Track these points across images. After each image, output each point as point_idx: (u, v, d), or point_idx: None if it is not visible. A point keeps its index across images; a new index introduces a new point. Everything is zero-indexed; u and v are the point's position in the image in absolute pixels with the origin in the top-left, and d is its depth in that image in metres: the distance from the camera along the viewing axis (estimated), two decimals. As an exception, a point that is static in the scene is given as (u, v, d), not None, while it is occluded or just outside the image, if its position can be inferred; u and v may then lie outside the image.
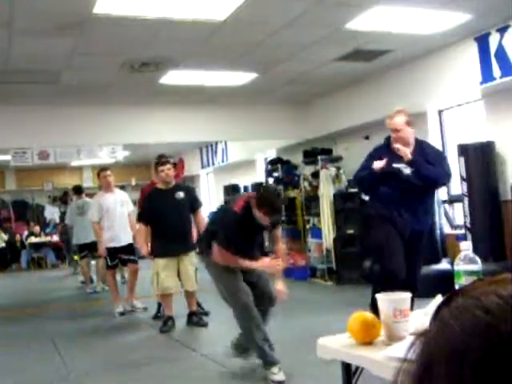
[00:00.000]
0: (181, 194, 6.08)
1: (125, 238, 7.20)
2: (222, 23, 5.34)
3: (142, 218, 6.22)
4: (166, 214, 5.91)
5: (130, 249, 7.24)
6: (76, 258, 11.00)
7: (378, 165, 4.31)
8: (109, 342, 5.83)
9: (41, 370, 4.88)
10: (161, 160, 6.15)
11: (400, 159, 4.36)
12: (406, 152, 4.33)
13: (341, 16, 5.43)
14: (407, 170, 4.35)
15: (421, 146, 4.54)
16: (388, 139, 4.59)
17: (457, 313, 0.54)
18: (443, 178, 4.47)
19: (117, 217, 7.18)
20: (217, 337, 5.64)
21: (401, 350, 1.64)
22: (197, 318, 6.17)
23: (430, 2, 5.19)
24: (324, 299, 7.29)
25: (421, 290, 5.58)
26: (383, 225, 4.39)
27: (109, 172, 7.41)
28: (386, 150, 4.51)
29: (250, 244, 4.24)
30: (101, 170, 7.50)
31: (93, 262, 9.59)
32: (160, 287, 5.94)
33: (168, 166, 6.08)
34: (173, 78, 7.28)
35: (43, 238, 14.73)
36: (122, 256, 7.19)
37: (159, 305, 6.59)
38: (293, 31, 5.74)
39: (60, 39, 5.49)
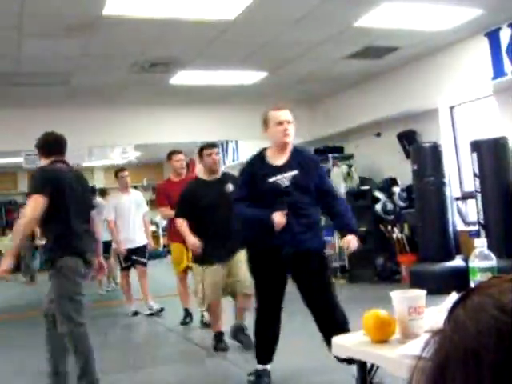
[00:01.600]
0: (230, 187, 4.80)
1: (139, 239, 7.07)
2: (232, 22, 5.34)
3: (181, 213, 5.00)
4: (214, 211, 4.77)
5: (142, 251, 7.11)
6: None
7: (279, 223, 3.53)
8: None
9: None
10: (207, 144, 5.19)
11: (276, 171, 3.65)
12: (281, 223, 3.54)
13: (350, 13, 5.41)
14: (285, 182, 3.64)
15: (303, 158, 3.83)
16: (262, 151, 3.84)
17: (472, 312, 0.53)
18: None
19: (132, 218, 7.06)
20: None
21: (416, 347, 1.63)
22: (245, 335, 4.94)
23: (440, -3, 5.17)
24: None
25: (435, 287, 5.57)
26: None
27: (126, 172, 7.25)
28: (260, 162, 3.76)
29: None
30: (119, 170, 7.33)
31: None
32: (208, 298, 4.87)
33: (216, 149, 5.11)
34: (183, 78, 7.30)
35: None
36: (134, 257, 7.03)
37: (186, 311, 6.26)
38: (303, 30, 5.73)
39: (70, 41, 5.52)
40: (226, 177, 5.10)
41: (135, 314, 7.01)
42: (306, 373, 4.14)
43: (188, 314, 6.23)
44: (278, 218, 3.48)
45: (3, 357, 5.39)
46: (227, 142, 12.71)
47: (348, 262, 8.38)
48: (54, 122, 8.20)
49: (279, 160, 3.68)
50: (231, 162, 12.96)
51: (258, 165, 3.73)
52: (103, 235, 9.09)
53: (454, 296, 1.96)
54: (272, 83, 7.94)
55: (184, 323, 6.20)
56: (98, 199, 9.89)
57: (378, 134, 8.83)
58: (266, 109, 3.86)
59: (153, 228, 12.56)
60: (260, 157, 3.77)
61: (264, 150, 3.80)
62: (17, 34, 5.21)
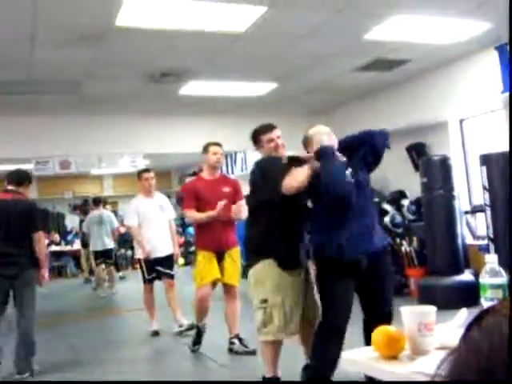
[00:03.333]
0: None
1: (164, 247, 6.29)
2: (243, 34, 5.37)
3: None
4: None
5: (168, 261, 6.35)
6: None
7: None
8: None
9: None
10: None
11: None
12: None
13: (361, 26, 5.43)
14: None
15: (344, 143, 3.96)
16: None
17: (486, 333, 0.54)
18: None
19: (155, 224, 6.29)
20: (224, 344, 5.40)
21: (426, 364, 1.62)
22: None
23: (449, 11, 5.17)
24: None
25: (444, 301, 5.54)
26: None
27: (152, 173, 6.53)
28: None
29: None
30: (142, 171, 6.62)
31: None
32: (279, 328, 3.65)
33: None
34: (193, 88, 7.33)
35: (63, 247, 14.85)
36: (159, 268, 6.22)
37: (198, 330, 5.38)
38: (313, 41, 5.75)
39: (82, 50, 5.57)
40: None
41: (156, 333, 6.22)
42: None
43: (200, 332, 5.36)
44: None
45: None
46: (236, 153, 12.73)
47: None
48: (64, 129, 8.30)
49: None
50: (240, 172, 12.98)
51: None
52: (104, 243, 9.83)
53: (464, 312, 1.95)
54: (282, 94, 7.96)
55: (193, 349, 5.33)
56: (104, 210, 10.43)
57: (388, 147, 8.80)
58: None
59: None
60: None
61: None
62: (30, 42, 5.26)
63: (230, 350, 5.15)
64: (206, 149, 5.30)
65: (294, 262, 3.67)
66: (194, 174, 15.43)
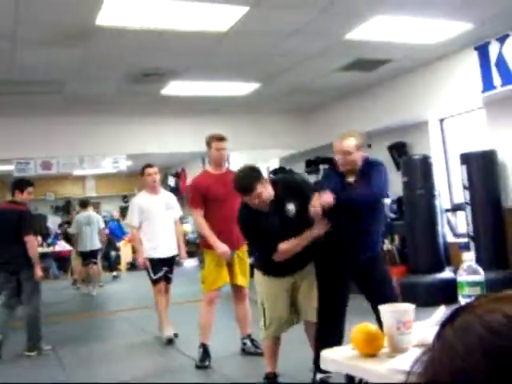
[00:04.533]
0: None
1: (168, 249, 5.95)
2: (225, 34, 5.37)
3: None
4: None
5: (170, 263, 6.03)
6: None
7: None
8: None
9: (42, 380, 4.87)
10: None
11: (349, 188, 3.84)
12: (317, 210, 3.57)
13: (342, 26, 5.45)
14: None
15: (367, 167, 3.92)
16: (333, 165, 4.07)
17: (461, 332, 0.54)
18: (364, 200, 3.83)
19: (160, 222, 5.89)
20: (221, 349, 5.40)
21: (404, 362, 1.64)
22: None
23: (430, 11, 5.21)
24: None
25: (425, 299, 5.59)
26: None
27: (156, 169, 6.10)
28: (334, 175, 3.94)
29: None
30: (146, 166, 6.14)
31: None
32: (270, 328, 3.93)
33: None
34: (175, 88, 7.31)
35: (45, 249, 14.71)
36: (165, 268, 5.91)
37: (204, 349, 4.95)
38: (295, 42, 5.76)
39: (63, 50, 5.53)
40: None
41: (170, 341, 5.73)
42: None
43: (206, 352, 4.93)
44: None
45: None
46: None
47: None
48: (46, 130, 8.24)
49: (350, 178, 3.86)
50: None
51: (336, 180, 3.87)
52: (93, 243, 10.04)
53: (442, 310, 1.98)
54: (264, 94, 7.98)
55: (202, 366, 4.84)
56: (91, 212, 10.62)
57: (369, 146, 8.85)
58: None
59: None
60: (337, 173, 3.91)
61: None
62: (11, 42, 5.21)
63: (243, 350, 5.11)
64: (208, 143, 5.03)
65: (279, 271, 3.80)
66: (177, 174, 15.40)
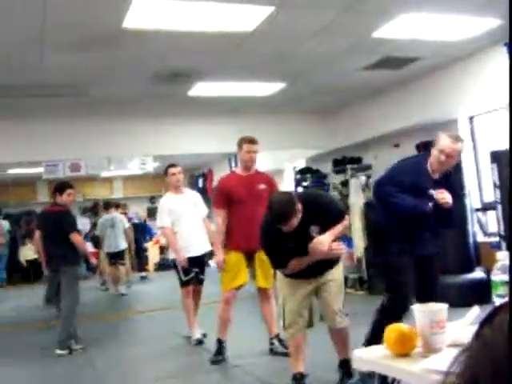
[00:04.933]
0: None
1: (199, 247, 5.92)
2: (251, 34, 5.37)
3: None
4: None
5: (202, 262, 6.02)
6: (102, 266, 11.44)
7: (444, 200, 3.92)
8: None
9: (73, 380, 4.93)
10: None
11: (435, 185, 4.00)
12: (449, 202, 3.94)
13: (368, 24, 5.41)
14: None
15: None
16: (422, 157, 4.24)
17: (499, 331, 0.53)
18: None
19: (189, 221, 5.85)
20: (249, 348, 5.51)
21: (438, 362, 1.62)
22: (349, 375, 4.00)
23: (457, 8, 5.15)
24: (356, 309, 7.19)
25: (455, 299, 5.51)
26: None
27: (179, 168, 6.07)
28: (425, 170, 4.05)
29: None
30: (169, 166, 6.12)
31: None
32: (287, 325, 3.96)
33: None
34: (201, 89, 7.34)
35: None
36: (195, 269, 5.85)
37: (220, 344, 5.10)
38: (320, 41, 5.74)
39: (90, 53, 5.59)
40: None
41: (199, 342, 5.79)
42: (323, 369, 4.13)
43: (221, 347, 5.07)
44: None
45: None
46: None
47: (367, 273, 8.32)
48: (74, 132, 8.34)
49: (436, 176, 4.07)
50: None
51: (421, 171, 4.05)
52: (117, 244, 10.25)
53: (475, 310, 1.94)
54: (289, 94, 7.96)
55: (215, 361, 5.00)
56: (115, 213, 10.81)
57: (397, 145, 8.79)
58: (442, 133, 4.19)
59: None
60: (422, 162, 4.10)
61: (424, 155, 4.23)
62: (39, 45, 5.29)
63: (271, 350, 5.13)
64: (239, 145, 5.10)
65: (298, 275, 3.81)
66: (204, 175, 15.46)
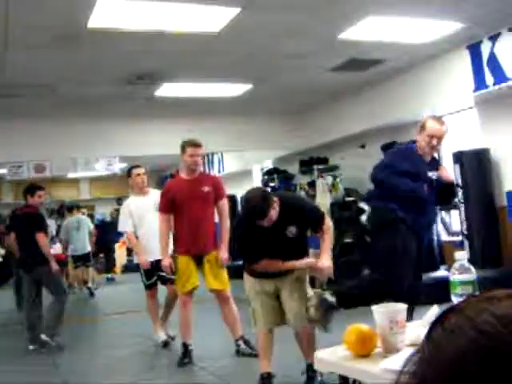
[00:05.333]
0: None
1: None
2: (217, 35, 5.36)
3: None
4: None
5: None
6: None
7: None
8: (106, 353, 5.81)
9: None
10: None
11: (429, 167, 4.18)
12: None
13: (334, 27, 5.46)
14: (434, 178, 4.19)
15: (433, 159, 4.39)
16: (412, 145, 4.32)
17: (450, 334, 0.53)
18: None
19: (151, 223, 5.58)
20: (216, 350, 5.56)
21: (397, 362, 1.64)
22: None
23: (421, 11, 5.23)
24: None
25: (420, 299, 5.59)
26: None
27: (143, 169, 5.98)
28: (418, 156, 4.14)
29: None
30: (133, 167, 6.03)
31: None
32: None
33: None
34: (168, 90, 7.30)
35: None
36: (161, 273, 5.60)
37: (185, 347, 5.06)
38: (288, 42, 5.77)
39: (55, 53, 5.52)
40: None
41: (165, 344, 5.76)
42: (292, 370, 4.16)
43: (187, 351, 5.04)
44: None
45: None
46: (213, 154, 12.72)
47: (334, 273, 8.37)
48: (39, 133, 8.20)
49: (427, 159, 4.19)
50: (217, 174, 12.96)
51: (415, 157, 4.14)
52: (84, 247, 10.15)
53: (435, 310, 1.98)
54: (257, 95, 7.97)
55: (181, 364, 4.97)
56: (80, 215, 10.75)
57: (363, 146, 8.88)
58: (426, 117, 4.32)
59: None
60: (415, 149, 4.18)
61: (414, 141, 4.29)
62: (2, 45, 5.20)
63: (237, 352, 5.08)
64: (183, 149, 5.05)
65: (260, 274, 3.84)
66: (172, 176, 15.38)
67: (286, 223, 3.65)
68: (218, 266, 5.03)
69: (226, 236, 5.08)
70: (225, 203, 5.19)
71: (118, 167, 9.31)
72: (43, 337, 6.00)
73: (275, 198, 3.57)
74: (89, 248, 10.50)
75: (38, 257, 6.03)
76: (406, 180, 4.06)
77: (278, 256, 3.72)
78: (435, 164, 4.31)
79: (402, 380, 0.57)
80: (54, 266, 6.07)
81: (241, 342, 5.08)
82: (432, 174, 4.12)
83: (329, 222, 3.88)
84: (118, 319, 7.98)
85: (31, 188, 6.35)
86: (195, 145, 5.06)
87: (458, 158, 6.68)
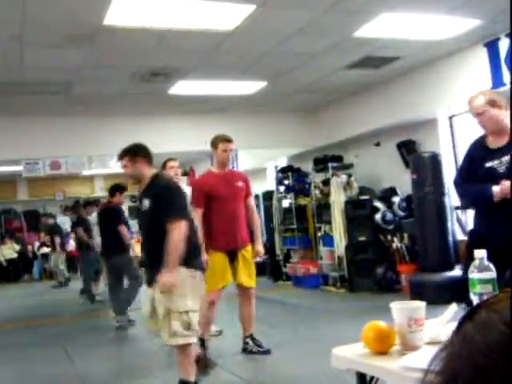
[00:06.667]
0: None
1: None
2: (231, 33, 5.36)
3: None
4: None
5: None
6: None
7: (498, 193, 3.29)
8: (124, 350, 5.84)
9: (53, 378, 4.88)
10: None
11: (493, 155, 3.41)
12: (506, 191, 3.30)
13: (350, 24, 5.44)
14: (502, 168, 3.37)
15: None
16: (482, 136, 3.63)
17: (480, 327, 0.53)
18: None
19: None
20: (230, 346, 5.56)
21: (416, 359, 1.63)
22: None
23: (438, 7, 5.19)
24: (336, 307, 7.25)
25: (434, 297, 5.56)
26: None
27: (177, 163, 6.01)
28: (480, 145, 3.55)
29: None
30: (168, 160, 6.07)
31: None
32: None
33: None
34: (182, 87, 7.31)
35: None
36: None
37: (202, 341, 4.85)
38: (302, 40, 5.75)
39: (71, 50, 5.55)
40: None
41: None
42: (309, 380, 4.13)
43: (204, 347, 4.86)
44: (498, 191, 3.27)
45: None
46: (227, 151, 12.70)
47: (347, 271, 8.37)
48: (53, 130, 8.26)
49: (498, 143, 3.42)
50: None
51: (477, 147, 3.56)
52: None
53: (454, 307, 1.96)
54: (271, 93, 7.97)
55: (197, 360, 4.81)
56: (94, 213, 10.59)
57: (378, 144, 8.84)
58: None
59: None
60: (480, 141, 3.57)
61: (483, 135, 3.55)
62: (18, 43, 5.23)
63: (245, 350, 5.05)
64: (214, 144, 5.04)
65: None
66: (185, 173, 15.42)
67: (147, 196, 3.74)
68: (250, 262, 4.98)
69: (259, 231, 5.23)
70: (252, 200, 5.28)
71: (133, 165, 9.32)
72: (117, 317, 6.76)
73: (141, 159, 4.02)
74: None
75: (118, 246, 6.84)
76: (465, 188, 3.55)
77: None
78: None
79: (429, 379, 0.57)
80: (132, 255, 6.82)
81: (249, 340, 5.06)
82: (498, 162, 3.35)
83: (174, 234, 3.57)
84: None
85: (116, 188, 7.32)
86: (227, 140, 5.04)
87: (474, 156, 6.61)
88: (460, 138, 7.77)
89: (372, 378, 1.84)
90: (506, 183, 3.25)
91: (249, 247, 4.99)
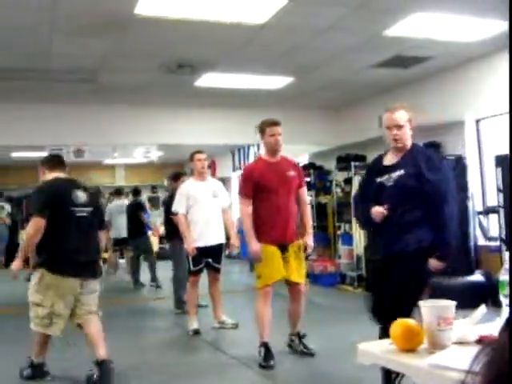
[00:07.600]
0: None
1: (214, 237, 5.81)
2: (261, 27, 5.35)
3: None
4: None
5: (218, 252, 5.92)
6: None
7: (377, 215, 3.44)
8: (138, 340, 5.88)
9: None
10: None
11: (385, 171, 3.55)
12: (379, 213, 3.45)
13: (381, 22, 5.40)
14: (390, 182, 3.50)
15: (414, 152, 3.63)
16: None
17: None
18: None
19: (206, 210, 5.73)
20: (245, 339, 5.51)
21: (446, 358, 1.62)
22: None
23: (470, 9, 5.13)
24: (354, 307, 7.20)
25: (454, 301, 5.51)
26: None
27: (204, 155, 5.98)
28: (377, 162, 3.72)
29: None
30: (195, 152, 6.01)
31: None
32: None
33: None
34: (208, 80, 7.32)
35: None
36: (208, 260, 5.79)
37: (266, 349, 4.61)
38: (332, 36, 5.72)
39: (100, 39, 5.58)
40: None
41: (196, 332, 5.76)
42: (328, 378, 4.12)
43: (269, 351, 4.58)
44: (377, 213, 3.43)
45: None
46: (249, 146, 12.73)
47: (366, 271, 8.32)
48: (79, 118, 8.33)
49: (393, 160, 3.58)
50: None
51: (374, 166, 3.72)
52: (115, 232, 10.00)
53: (482, 309, 1.94)
54: (297, 89, 7.95)
55: (266, 366, 4.49)
56: (125, 200, 10.82)
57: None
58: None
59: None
60: (378, 159, 3.73)
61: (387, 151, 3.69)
62: (48, 30, 5.28)
63: (290, 346, 4.87)
64: (261, 130, 4.72)
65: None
66: (207, 166, 15.46)
67: None
68: (301, 257, 4.70)
69: (310, 224, 4.87)
70: (305, 191, 4.92)
71: (156, 155, 9.38)
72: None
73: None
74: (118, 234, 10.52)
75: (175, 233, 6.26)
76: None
77: None
78: (414, 164, 3.49)
79: (471, 380, 0.56)
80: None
81: (295, 338, 4.85)
82: (387, 177, 3.49)
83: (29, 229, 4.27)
84: (155, 305, 8.04)
85: (176, 175, 7.38)
86: (274, 123, 4.72)
87: (501, 161, 6.53)
88: (486, 142, 7.68)
89: (397, 375, 1.84)
90: (376, 209, 3.41)
91: (299, 241, 4.69)
